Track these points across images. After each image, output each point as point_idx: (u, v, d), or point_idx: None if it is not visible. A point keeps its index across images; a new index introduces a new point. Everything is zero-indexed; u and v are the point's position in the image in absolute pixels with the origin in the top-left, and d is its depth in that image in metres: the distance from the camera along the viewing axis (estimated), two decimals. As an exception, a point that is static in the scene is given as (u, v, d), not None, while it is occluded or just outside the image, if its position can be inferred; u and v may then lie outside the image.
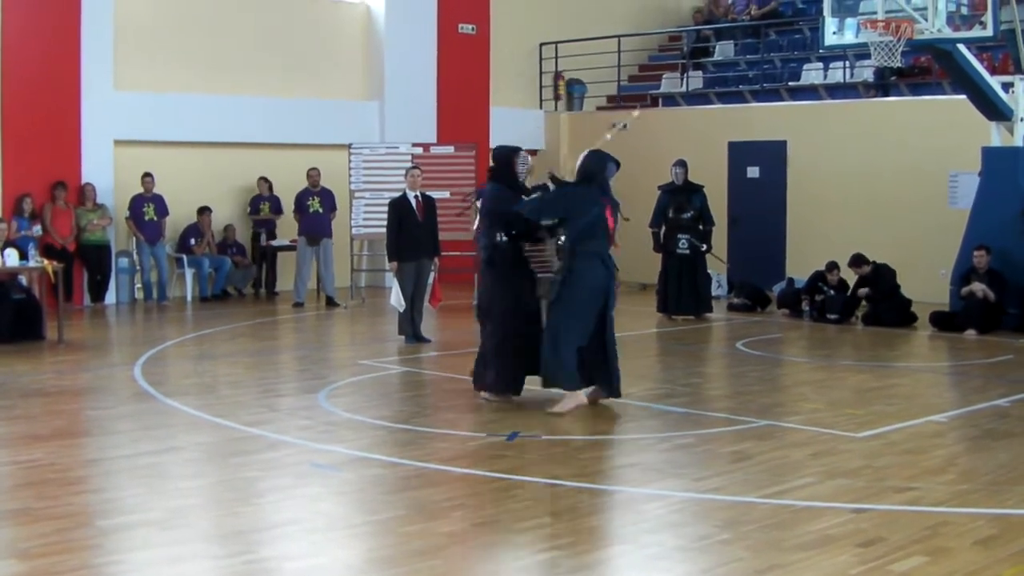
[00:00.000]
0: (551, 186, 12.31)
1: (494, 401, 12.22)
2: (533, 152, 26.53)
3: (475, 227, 13.15)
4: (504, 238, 12.25)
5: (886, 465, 9.73)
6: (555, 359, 11.78)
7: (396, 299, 16.23)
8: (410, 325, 16.54)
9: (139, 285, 21.70)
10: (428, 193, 17.09)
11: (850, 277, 19.40)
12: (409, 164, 18.16)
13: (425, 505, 8.52)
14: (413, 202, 16.54)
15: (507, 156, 12.68)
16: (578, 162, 12.24)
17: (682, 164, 19.86)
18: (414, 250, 16.49)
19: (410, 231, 16.45)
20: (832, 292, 19.34)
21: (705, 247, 19.80)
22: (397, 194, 16.88)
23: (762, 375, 14.56)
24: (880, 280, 18.92)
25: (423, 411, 12.08)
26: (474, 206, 15.03)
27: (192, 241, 22.06)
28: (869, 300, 18.93)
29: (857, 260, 19.11)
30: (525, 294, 12.29)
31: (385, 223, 16.81)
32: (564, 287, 11.78)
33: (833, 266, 19.56)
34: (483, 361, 12.45)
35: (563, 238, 11.96)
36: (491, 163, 13.08)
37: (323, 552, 7.54)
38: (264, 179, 22.98)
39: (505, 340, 12.20)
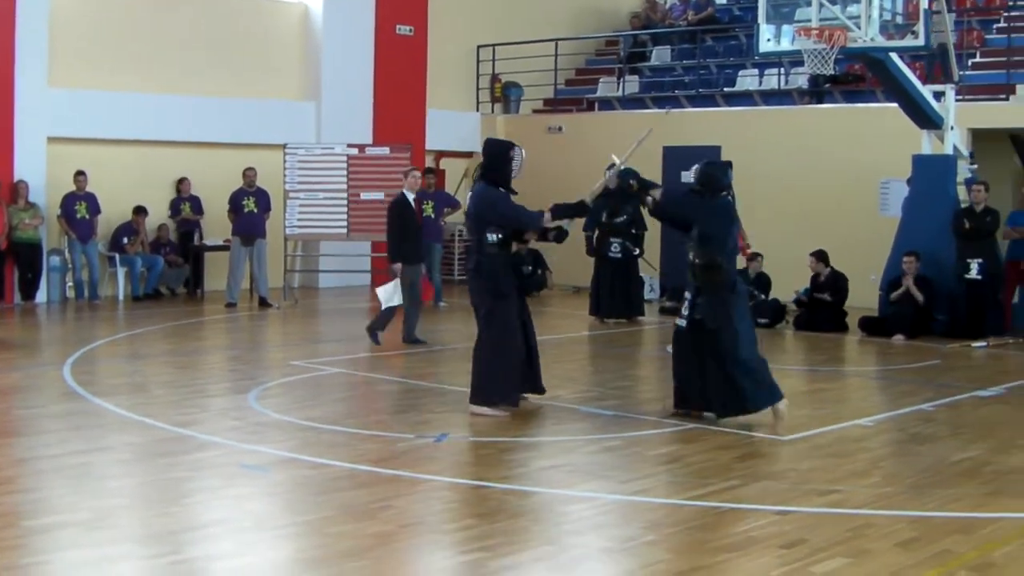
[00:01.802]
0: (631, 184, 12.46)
1: (493, 416, 11.66)
2: (468, 155, 26.63)
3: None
4: (497, 237, 11.71)
5: (811, 468, 9.84)
6: (763, 381, 11.51)
7: (388, 296, 16.09)
8: (383, 326, 16.42)
9: (71, 284, 21.58)
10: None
11: (793, 269, 19.61)
12: (409, 167, 17.96)
13: (353, 506, 8.54)
14: (413, 204, 16.47)
15: (503, 153, 11.93)
16: (695, 173, 11.85)
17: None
18: (417, 251, 16.49)
19: (412, 232, 16.41)
20: (762, 296, 19.49)
21: (637, 251, 19.89)
22: (394, 195, 16.75)
23: (692, 378, 14.65)
24: (839, 289, 19.08)
25: (353, 412, 12.09)
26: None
27: (125, 240, 21.92)
28: (821, 304, 19.08)
29: (821, 255, 19.30)
30: (514, 302, 11.93)
31: (389, 225, 16.45)
32: (734, 308, 11.44)
33: (755, 256, 19.79)
34: (481, 372, 11.88)
35: (695, 256, 11.60)
36: (483, 160, 12.18)
37: (251, 552, 7.54)
38: (183, 179, 22.93)
39: (500, 349, 11.79)
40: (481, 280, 11.82)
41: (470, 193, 12.10)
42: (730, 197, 12.03)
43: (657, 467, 9.85)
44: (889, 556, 7.50)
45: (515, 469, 9.89)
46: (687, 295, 11.75)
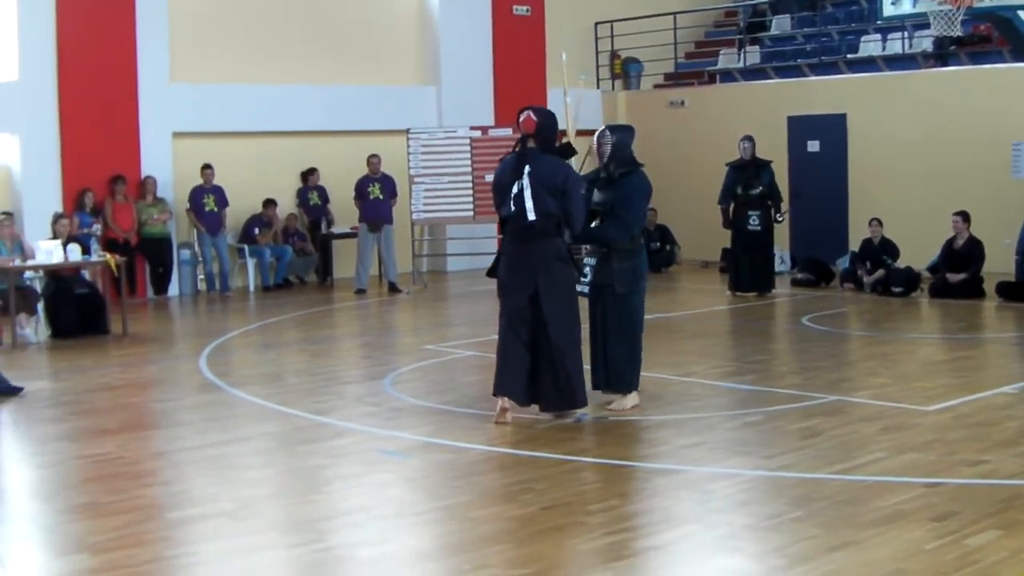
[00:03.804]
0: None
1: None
2: (591, 132, 26.49)
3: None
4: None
5: (957, 438, 9.62)
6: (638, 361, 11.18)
7: None
8: None
9: (201, 276, 21.77)
10: None
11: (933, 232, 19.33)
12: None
13: (493, 489, 8.52)
14: None
15: (556, 124, 10.99)
16: (608, 143, 11.22)
17: (750, 139, 19.62)
18: None
19: None
20: (891, 261, 19.15)
21: (781, 218, 19.60)
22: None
23: (829, 350, 14.44)
24: (976, 257, 18.57)
25: (488, 395, 12.00)
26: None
27: (256, 231, 22.07)
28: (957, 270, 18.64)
29: (967, 216, 18.76)
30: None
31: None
32: (639, 282, 11.08)
33: (872, 221, 19.52)
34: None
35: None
36: (536, 128, 10.84)
37: (393, 539, 7.54)
38: (313, 170, 23.08)
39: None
40: (569, 270, 10.60)
41: (528, 168, 10.76)
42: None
43: (799, 441, 9.69)
44: (1044, 527, 7.32)
45: (656, 447, 9.79)
46: (588, 260, 11.07)
